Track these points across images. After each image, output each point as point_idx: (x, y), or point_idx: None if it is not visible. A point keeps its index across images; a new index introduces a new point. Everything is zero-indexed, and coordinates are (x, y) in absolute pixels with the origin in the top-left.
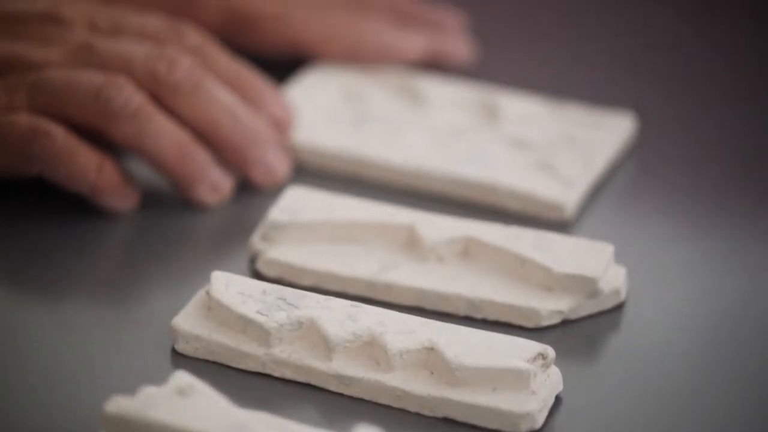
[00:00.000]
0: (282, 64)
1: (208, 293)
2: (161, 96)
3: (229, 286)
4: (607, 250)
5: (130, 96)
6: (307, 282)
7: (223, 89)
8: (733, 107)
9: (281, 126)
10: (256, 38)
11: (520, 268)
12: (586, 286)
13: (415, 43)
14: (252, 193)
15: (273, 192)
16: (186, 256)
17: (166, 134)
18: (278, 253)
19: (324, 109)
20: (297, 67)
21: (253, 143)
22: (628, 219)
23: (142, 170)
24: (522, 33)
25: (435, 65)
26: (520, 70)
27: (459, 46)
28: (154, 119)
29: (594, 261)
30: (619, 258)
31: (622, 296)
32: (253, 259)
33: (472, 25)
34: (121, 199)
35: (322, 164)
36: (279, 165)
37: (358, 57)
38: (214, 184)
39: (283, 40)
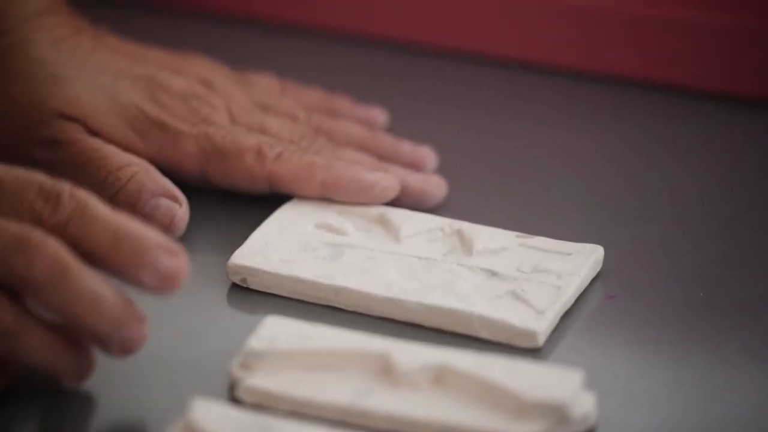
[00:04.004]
0: (261, 197)
1: (187, 421)
2: (22, 293)
3: (208, 414)
4: (576, 376)
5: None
6: (284, 408)
7: (88, 274)
8: (695, 237)
9: (165, 287)
10: (233, 174)
11: (491, 395)
12: (556, 412)
13: (390, 182)
14: (227, 320)
15: (252, 320)
16: (164, 381)
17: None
18: (256, 380)
19: (300, 241)
20: (276, 199)
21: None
22: (597, 345)
23: None
24: (489, 168)
25: (409, 201)
26: (489, 204)
27: (434, 183)
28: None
29: (563, 387)
30: (589, 384)
31: (592, 421)
32: (232, 386)
33: (441, 160)
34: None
35: (299, 293)
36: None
37: (332, 195)
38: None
39: (259, 177)
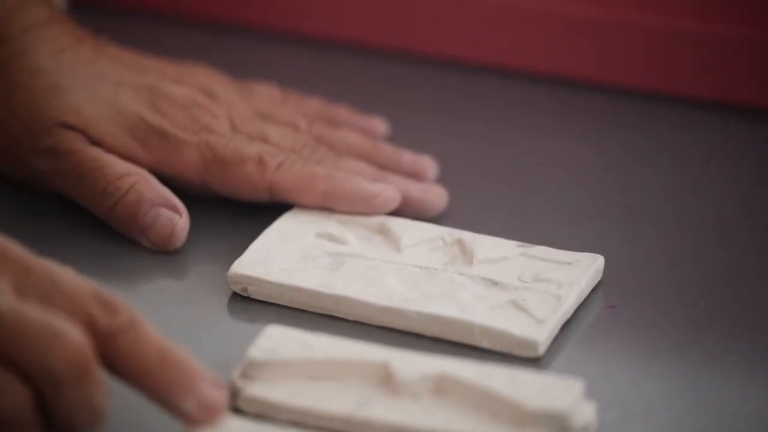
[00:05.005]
0: (262, 207)
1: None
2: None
3: (210, 425)
4: (576, 386)
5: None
6: (285, 418)
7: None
8: (695, 246)
9: (204, 417)
10: (234, 182)
11: (492, 404)
12: (557, 422)
13: (390, 193)
14: (228, 329)
15: (252, 329)
16: None
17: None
18: (257, 390)
19: (301, 251)
20: (277, 208)
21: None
22: (597, 354)
23: None
24: (489, 178)
25: (410, 211)
26: (489, 214)
27: (434, 194)
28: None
29: (564, 397)
30: (589, 393)
31: (593, 431)
32: (233, 396)
33: (442, 170)
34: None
35: (300, 302)
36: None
37: (333, 205)
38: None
39: (260, 186)
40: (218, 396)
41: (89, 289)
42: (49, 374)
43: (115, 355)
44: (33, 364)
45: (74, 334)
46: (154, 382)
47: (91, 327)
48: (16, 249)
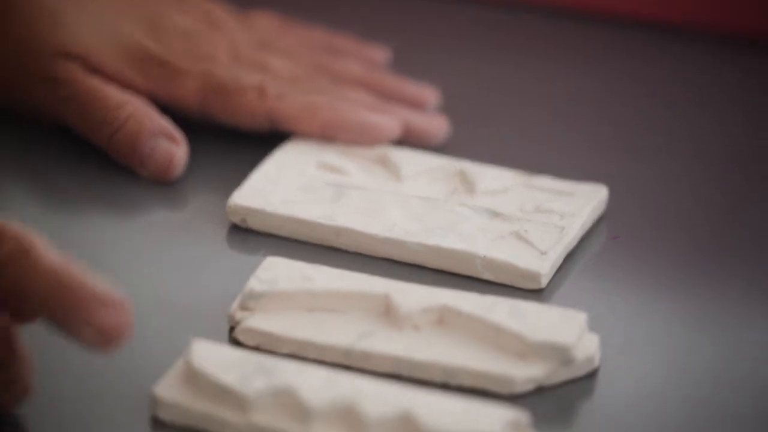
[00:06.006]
0: (261, 137)
1: (187, 361)
2: None
3: (208, 355)
4: (579, 317)
5: None
6: (285, 350)
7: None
8: (701, 177)
9: (110, 340)
10: (234, 112)
11: (494, 337)
12: (560, 353)
13: (393, 123)
14: (227, 260)
15: (252, 261)
16: (165, 324)
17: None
18: (256, 322)
19: (301, 181)
20: (276, 139)
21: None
22: (600, 286)
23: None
24: (492, 108)
25: (411, 141)
26: (492, 145)
27: (435, 123)
28: None
29: (567, 329)
30: (592, 325)
31: (596, 363)
32: (232, 328)
33: (443, 100)
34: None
35: (300, 234)
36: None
37: (334, 136)
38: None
39: (260, 115)
40: (118, 319)
41: None
42: None
43: (2, 290)
44: None
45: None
46: (49, 315)
47: None
48: None
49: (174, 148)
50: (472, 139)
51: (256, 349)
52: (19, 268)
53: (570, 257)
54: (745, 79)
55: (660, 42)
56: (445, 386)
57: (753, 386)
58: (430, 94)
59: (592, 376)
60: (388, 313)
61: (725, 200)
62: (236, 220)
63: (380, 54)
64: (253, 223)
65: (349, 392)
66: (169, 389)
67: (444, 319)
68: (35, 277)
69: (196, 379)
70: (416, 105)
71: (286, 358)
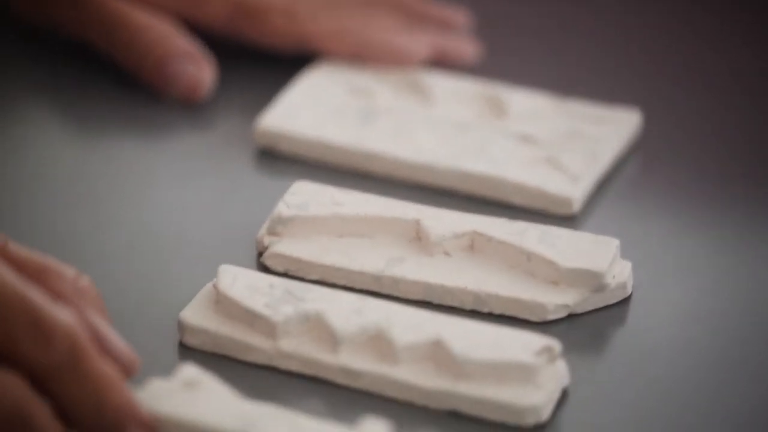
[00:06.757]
0: (288, 60)
1: (215, 287)
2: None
3: (236, 280)
4: (612, 244)
5: None
6: (313, 276)
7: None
8: (737, 102)
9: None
10: (263, 33)
11: (526, 263)
12: (592, 280)
13: (422, 46)
14: (255, 185)
15: (280, 186)
16: (193, 250)
17: None
18: (285, 247)
19: (331, 105)
20: (303, 62)
21: None
22: (634, 213)
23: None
24: (526, 30)
25: (441, 63)
26: (525, 67)
27: (465, 45)
28: None
29: (600, 255)
30: (625, 252)
31: (628, 290)
32: (260, 253)
33: (476, 23)
34: None
35: (329, 159)
36: None
37: (364, 57)
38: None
39: (290, 36)
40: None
41: (27, 310)
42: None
43: (48, 395)
44: None
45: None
46: (85, 428)
47: (22, 365)
48: None
49: (200, 71)
50: (505, 61)
51: (285, 274)
52: (70, 375)
53: (603, 184)
54: None
55: None
56: (476, 313)
57: None
58: (461, 17)
59: (624, 303)
60: (418, 238)
61: (762, 127)
62: (264, 143)
63: None
64: (282, 147)
65: (379, 318)
66: (196, 315)
67: (475, 245)
68: (84, 389)
69: (223, 304)
70: (447, 27)
71: (314, 283)
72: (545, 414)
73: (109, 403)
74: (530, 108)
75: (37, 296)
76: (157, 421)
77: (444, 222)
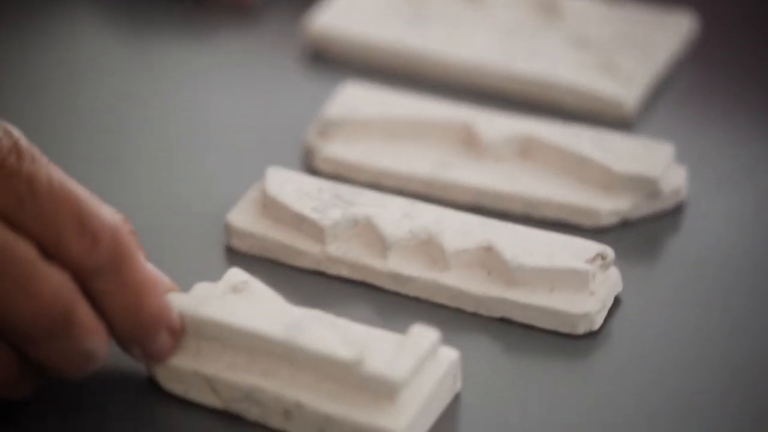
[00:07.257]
0: None
1: (262, 190)
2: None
3: (284, 183)
4: (667, 149)
5: None
6: (362, 179)
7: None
8: None
9: (149, 362)
10: None
11: (578, 168)
12: (646, 185)
13: None
14: (303, 87)
15: (328, 89)
16: (238, 151)
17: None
18: (334, 149)
19: (382, 7)
20: None
21: None
22: (689, 119)
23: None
24: None
25: None
26: None
27: None
28: None
29: (654, 160)
30: (680, 158)
31: (682, 196)
32: (306, 155)
33: None
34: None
35: (379, 61)
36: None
37: None
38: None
39: None
40: (166, 344)
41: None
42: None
43: (89, 295)
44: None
45: (47, 284)
46: (117, 330)
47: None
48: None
49: None
50: None
51: (332, 177)
52: (113, 278)
53: (659, 89)
54: None
55: None
56: (527, 218)
57: None
58: None
59: (678, 210)
60: (469, 142)
61: None
62: (313, 45)
63: None
64: (331, 48)
65: (428, 223)
66: (243, 218)
67: (527, 149)
68: (124, 293)
69: (270, 208)
70: None
71: (363, 187)
72: (598, 322)
73: (146, 307)
74: (585, 11)
75: (84, 194)
76: (197, 326)
77: (495, 125)
